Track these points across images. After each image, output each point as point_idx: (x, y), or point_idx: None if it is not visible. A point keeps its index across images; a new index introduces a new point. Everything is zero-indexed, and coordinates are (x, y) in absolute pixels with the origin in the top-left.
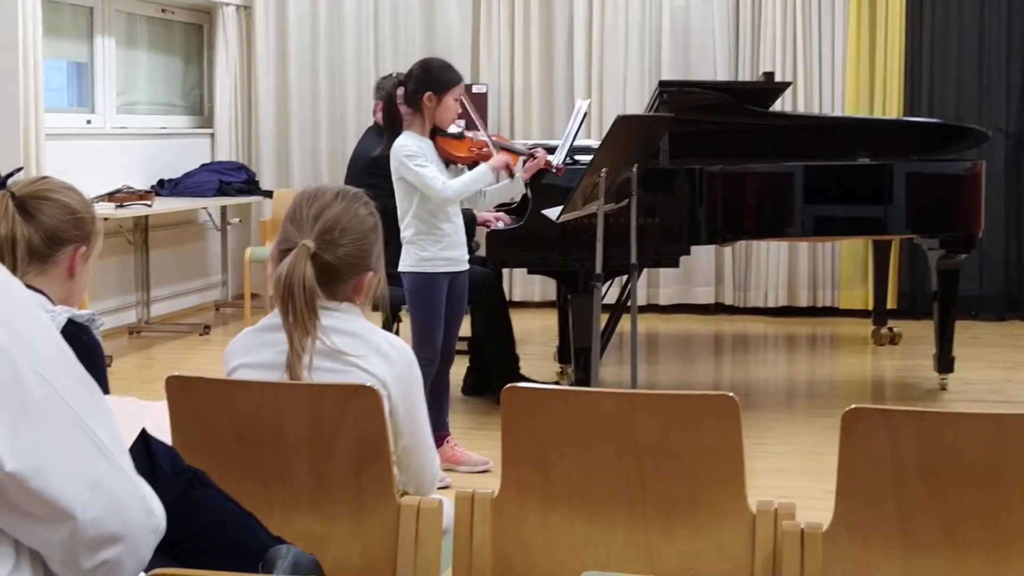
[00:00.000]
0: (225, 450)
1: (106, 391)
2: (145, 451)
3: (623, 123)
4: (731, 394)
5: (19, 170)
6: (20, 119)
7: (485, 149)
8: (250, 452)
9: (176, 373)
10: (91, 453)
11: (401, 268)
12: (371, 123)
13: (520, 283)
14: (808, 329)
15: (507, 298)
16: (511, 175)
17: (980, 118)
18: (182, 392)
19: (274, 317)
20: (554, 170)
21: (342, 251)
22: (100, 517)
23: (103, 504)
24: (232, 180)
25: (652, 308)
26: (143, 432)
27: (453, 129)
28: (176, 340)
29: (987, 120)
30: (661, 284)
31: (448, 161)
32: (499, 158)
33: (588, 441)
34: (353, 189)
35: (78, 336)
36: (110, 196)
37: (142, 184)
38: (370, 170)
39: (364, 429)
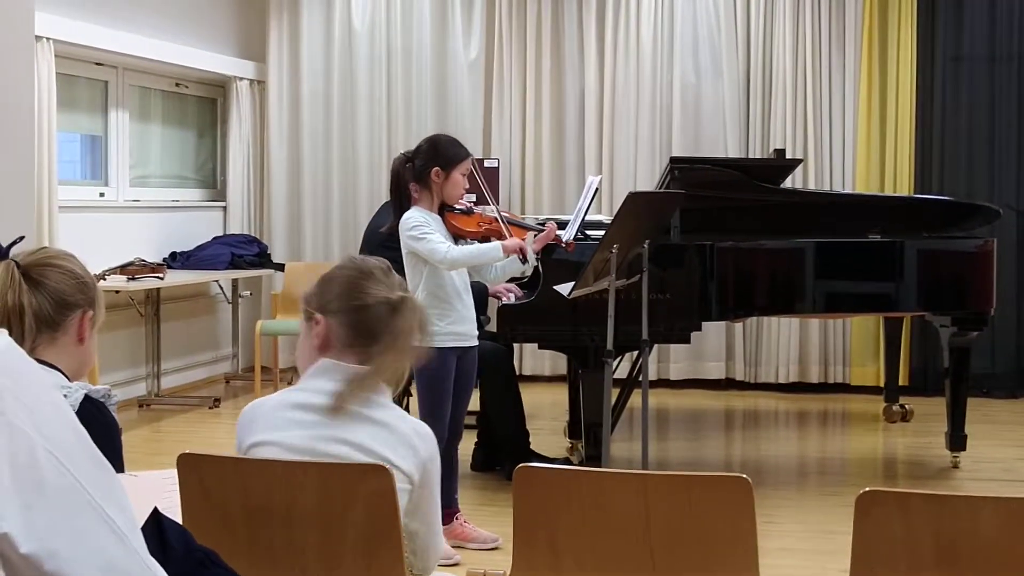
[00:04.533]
0: (236, 528)
1: (120, 469)
2: (157, 530)
3: (635, 199)
4: (744, 476)
5: (21, 239)
6: (34, 191)
7: (495, 224)
8: (261, 531)
9: (185, 446)
10: (105, 536)
11: None
12: (386, 198)
13: (530, 357)
14: (819, 405)
15: (517, 372)
16: (524, 259)
17: (991, 195)
18: (194, 470)
19: (310, 395)
20: (563, 245)
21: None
22: None
23: None
24: (244, 253)
25: (663, 383)
26: (155, 511)
27: (461, 204)
28: (186, 413)
29: (998, 197)
30: (672, 359)
31: (457, 237)
32: (514, 241)
33: (601, 522)
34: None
35: (95, 415)
36: (122, 269)
37: (154, 257)
38: (386, 244)
39: (376, 509)
